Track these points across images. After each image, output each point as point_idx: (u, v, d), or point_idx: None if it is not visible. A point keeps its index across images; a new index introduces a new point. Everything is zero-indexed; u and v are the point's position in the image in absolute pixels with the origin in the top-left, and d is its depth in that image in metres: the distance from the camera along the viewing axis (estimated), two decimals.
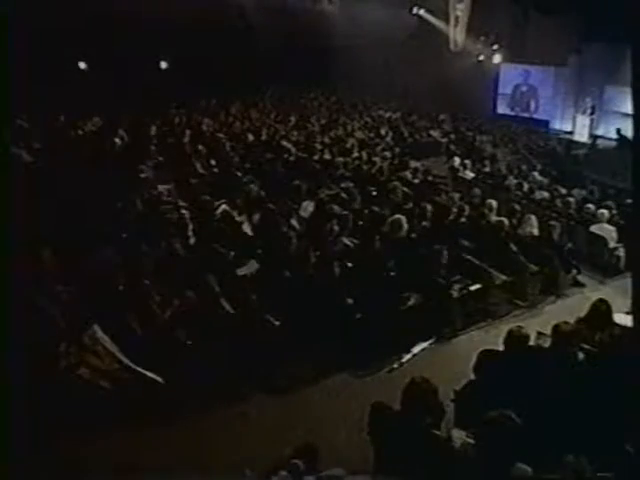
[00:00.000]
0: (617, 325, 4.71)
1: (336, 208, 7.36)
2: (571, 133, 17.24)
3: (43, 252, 4.67)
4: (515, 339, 3.95)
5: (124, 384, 4.22)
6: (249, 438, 4.42)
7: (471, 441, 3.15)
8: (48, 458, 3.82)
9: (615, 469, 3.17)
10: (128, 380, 4.22)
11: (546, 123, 19.11)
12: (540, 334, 4.70)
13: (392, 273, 5.86)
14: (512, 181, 10.92)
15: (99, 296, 4.62)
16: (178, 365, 4.43)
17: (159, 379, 4.32)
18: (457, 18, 20.72)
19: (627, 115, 14.30)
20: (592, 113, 16.18)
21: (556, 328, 4.10)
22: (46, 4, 14.62)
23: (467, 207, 8.04)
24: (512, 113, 20.46)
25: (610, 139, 15.53)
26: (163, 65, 21.22)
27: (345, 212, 7.10)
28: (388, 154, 12.74)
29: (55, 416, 3.98)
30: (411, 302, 5.68)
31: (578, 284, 7.44)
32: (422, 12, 21.73)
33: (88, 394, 4.18)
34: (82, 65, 19.61)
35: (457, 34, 20.95)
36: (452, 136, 16.47)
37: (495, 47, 20.05)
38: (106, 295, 4.64)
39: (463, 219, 7.65)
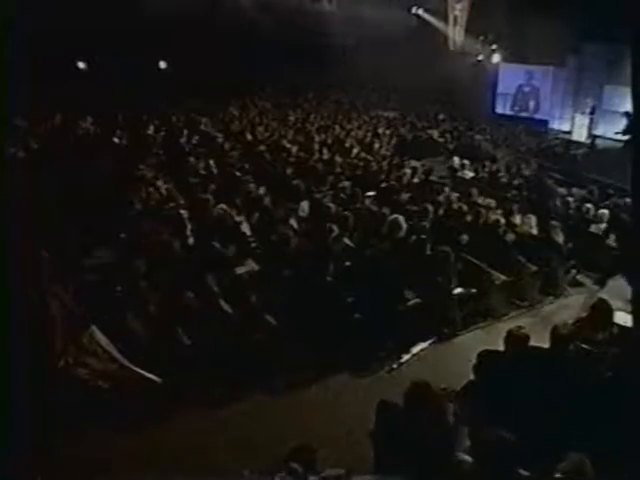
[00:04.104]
0: (617, 325, 4.69)
1: (332, 207, 7.34)
2: (569, 133, 17.19)
3: (40, 253, 4.64)
4: (515, 339, 3.94)
5: (122, 384, 4.20)
6: (248, 439, 4.40)
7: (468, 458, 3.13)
8: (46, 458, 3.81)
9: (615, 469, 3.17)
10: (126, 380, 4.21)
11: (545, 123, 19.08)
12: None
13: (392, 273, 5.83)
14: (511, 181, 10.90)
15: (97, 297, 4.60)
16: (176, 365, 4.42)
17: (157, 379, 4.30)
18: (456, 18, 20.71)
19: (626, 114, 14.31)
20: (592, 113, 16.14)
21: (554, 330, 4.09)
22: (45, 4, 14.58)
23: (465, 207, 8.04)
24: (511, 113, 20.42)
25: (609, 139, 15.51)
26: (162, 65, 21.19)
27: (346, 212, 7.08)
28: (387, 154, 12.73)
29: (53, 416, 3.97)
30: (411, 302, 5.66)
31: (577, 284, 7.43)
32: (421, 12, 21.72)
33: (86, 394, 4.16)
34: (81, 64, 19.57)
35: (456, 34, 20.94)
36: (450, 136, 16.44)
37: (494, 47, 20.01)
38: (104, 296, 4.62)
39: (462, 219, 7.63)
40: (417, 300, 5.71)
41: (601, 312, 4.63)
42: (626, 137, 13.95)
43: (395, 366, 5.41)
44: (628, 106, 14.87)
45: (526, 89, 20.06)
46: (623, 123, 14.20)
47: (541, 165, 13.37)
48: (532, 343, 4.17)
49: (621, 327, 4.67)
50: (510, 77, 20.36)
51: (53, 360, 4.10)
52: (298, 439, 4.28)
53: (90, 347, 4.14)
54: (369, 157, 11.76)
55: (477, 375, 3.99)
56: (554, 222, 7.28)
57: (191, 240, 6.52)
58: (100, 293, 4.72)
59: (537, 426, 3.52)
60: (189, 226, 6.83)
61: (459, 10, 20.36)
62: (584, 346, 4.41)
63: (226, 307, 4.88)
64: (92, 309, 4.51)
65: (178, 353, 4.50)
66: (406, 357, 5.53)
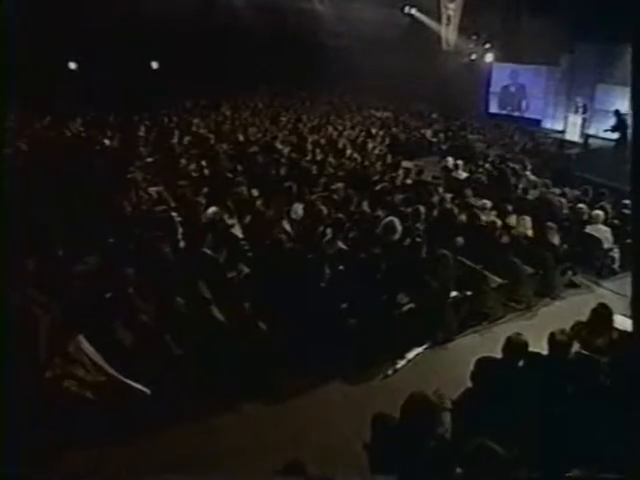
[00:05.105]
0: (617, 330, 4.61)
1: (325, 210, 7.24)
2: (562, 132, 17.20)
3: (26, 260, 4.51)
4: (514, 346, 3.85)
5: (110, 396, 4.08)
6: (239, 449, 4.30)
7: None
8: (34, 472, 3.69)
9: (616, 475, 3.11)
10: (114, 391, 4.09)
11: (537, 122, 19.09)
12: None
13: (387, 277, 5.73)
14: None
15: (84, 305, 4.47)
16: (167, 375, 4.30)
17: (146, 390, 4.19)
18: (449, 17, 20.70)
19: (616, 113, 14.35)
20: (584, 112, 16.13)
21: (552, 337, 4.00)
22: (36, 4, 14.43)
23: (459, 208, 7.96)
24: (504, 112, 20.43)
25: (602, 138, 15.50)
26: (154, 65, 21.04)
27: (340, 215, 6.98)
28: (380, 154, 12.65)
29: (40, 429, 3.86)
30: (406, 307, 5.57)
31: (573, 285, 7.38)
32: (414, 11, 21.67)
33: (74, 406, 4.05)
34: (72, 65, 19.40)
35: (449, 33, 20.93)
36: (444, 136, 16.39)
37: (487, 46, 19.99)
38: (91, 304, 4.49)
39: (457, 220, 7.54)
40: (412, 305, 5.61)
41: (601, 316, 4.55)
42: (615, 135, 13.98)
43: (390, 372, 5.31)
44: (620, 105, 14.93)
45: (512, 89, 20.08)
46: (612, 121, 14.22)
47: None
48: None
49: (621, 332, 4.59)
50: (500, 77, 20.39)
51: (39, 371, 3.98)
52: (291, 449, 4.22)
53: (77, 357, 4.02)
54: (360, 157, 11.67)
55: (475, 383, 3.89)
56: (550, 223, 7.22)
57: (182, 244, 6.41)
58: (87, 300, 4.59)
59: (537, 434, 3.45)
60: (180, 229, 6.72)
61: (452, 9, 20.35)
62: (583, 352, 4.34)
63: (218, 314, 4.76)
64: (79, 317, 4.39)
65: (168, 362, 4.39)
66: (401, 363, 5.43)
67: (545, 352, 4.13)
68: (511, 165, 11.93)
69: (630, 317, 4.56)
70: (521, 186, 10.09)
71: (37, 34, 14.67)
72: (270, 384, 4.92)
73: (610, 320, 4.59)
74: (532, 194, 9.71)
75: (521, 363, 3.87)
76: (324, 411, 4.81)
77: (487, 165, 12.23)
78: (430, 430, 3.13)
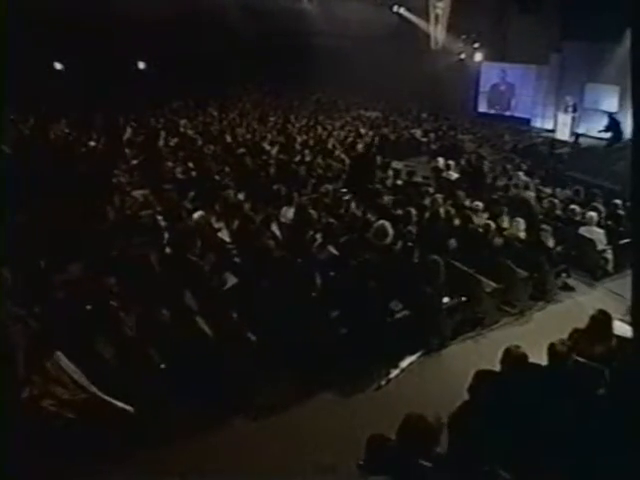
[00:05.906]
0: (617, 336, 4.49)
1: (314, 214, 7.08)
2: (552, 131, 17.17)
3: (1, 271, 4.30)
4: (513, 359, 3.71)
5: (92, 415, 3.88)
6: (230, 465, 4.14)
7: None
8: None
9: None
10: (95, 410, 3.89)
11: (527, 121, 19.08)
12: None
13: (379, 283, 5.57)
14: (497, 182, 10.75)
15: (64, 318, 4.27)
16: (151, 391, 4.12)
17: (129, 408, 4.00)
18: (437, 16, 20.63)
19: (607, 113, 14.37)
20: (574, 111, 16.09)
21: (552, 348, 3.87)
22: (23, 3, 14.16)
23: (452, 210, 7.83)
24: (493, 111, 20.39)
25: (592, 137, 15.51)
26: (141, 65, 20.81)
27: (330, 220, 6.82)
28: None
29: (19, 451, 3.66)
30: (400, 314, 5.41)
31: (567, 288, 7.28)
32: (402, 10, 21.56)
33: (53, 426, 3.85)
34: (57, 65, 19.11)
35: (437, 32, 20.86)
36: (435, 135, 16.30)
37: (476, 45, 19.92)
38: (72, 316, 4.29)
39: (449, 223, 7.41)
40: (405, 312, 5.46)
41: (600, 323, 4.42)
42: (608, 135, 13.99)
43: (384, 383, 5.15)
44: (609, 104, 14.97)
45: (502, 87, 20.07)
46: (605, 121, 14.23)
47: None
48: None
49: (618, 338, 4.48)
50: (489, 77, 20.36)
51: (16, 391, 3.77)
52: (283, 463, 4.08)
53: (56, 375, 3.82)
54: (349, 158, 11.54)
55: (472, 396, 3.73)
56: (544, 225, 7.12)
57: (168, 250, 6.22)
58: (67, 313, 4.39)
59: (538, 448, 3.33)
60: (166, 234, 6.54)
61: (440, 9, 20.27)
62: (581, 359, 4.22)
63: (204, 326, 4.58)
64: (59, 331, 4.19)
65: (152, 377, 4.20)
66: (395, 372, 5.27)
67: (544, 361, 4.01)
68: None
69: (627, 321, 4.50)
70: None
71: (21, 34, 14.38)
72: (260, 397, 4.75)
73: (609, 327, 4.46)
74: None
75: (521, 375, 3.72)
76: (316, 423, 4.65)
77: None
78: (428, 452, 2.98)
